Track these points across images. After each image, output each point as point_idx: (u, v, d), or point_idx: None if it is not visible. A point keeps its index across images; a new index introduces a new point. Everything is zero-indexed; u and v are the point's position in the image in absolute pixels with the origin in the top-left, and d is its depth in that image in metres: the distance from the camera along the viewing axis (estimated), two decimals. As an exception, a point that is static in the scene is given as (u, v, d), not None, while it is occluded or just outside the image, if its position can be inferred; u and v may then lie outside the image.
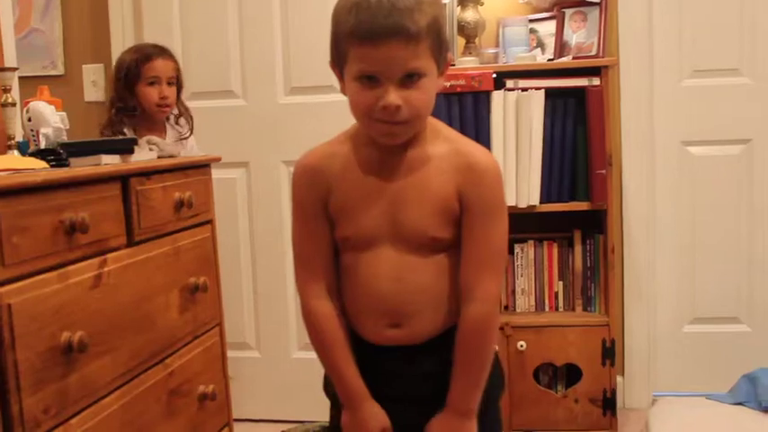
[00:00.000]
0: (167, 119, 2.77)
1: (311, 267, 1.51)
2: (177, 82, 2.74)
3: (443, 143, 1.47)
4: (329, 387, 1.58)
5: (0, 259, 1.35)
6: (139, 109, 2.65)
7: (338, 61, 1.40)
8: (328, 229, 1.49)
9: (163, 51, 2.71)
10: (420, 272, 1.45)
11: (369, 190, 1.46)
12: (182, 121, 2.80)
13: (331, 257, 1.51)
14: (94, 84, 3.40)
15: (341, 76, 1.42)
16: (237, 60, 3.22)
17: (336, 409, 1.57)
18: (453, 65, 2.95)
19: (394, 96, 1.33)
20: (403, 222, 1.44)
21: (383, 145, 1.43)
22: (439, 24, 1.37)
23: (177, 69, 2.73)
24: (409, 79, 1.34)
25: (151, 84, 2.64)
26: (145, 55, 2.66)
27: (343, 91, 1.42)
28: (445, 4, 1.44)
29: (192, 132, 2.80)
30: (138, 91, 2.64)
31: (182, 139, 2.76)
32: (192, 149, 2.79)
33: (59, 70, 3.45)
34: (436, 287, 1.47)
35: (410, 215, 1.44)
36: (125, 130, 2.61)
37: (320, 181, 1.48)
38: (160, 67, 2.66)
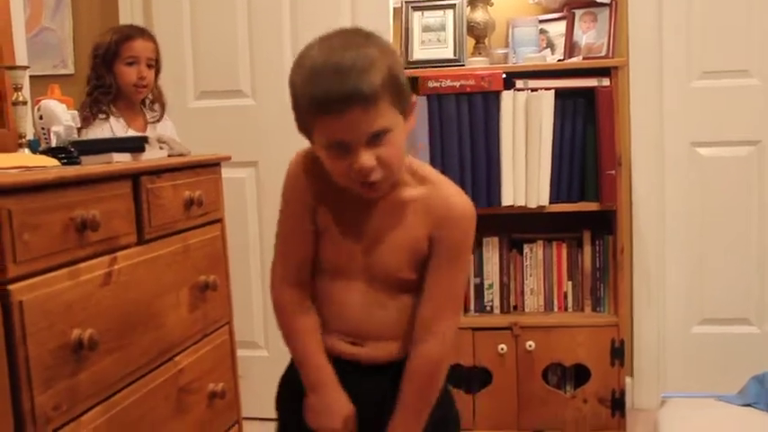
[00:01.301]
0: (143, 102, 2.74)
1: (289, 261, 1.54)
2: (156, 65, 2.70)
3: (421, 185, 1.48)
4: (280, 400, 1.65)
5: (12, 256, 1.36)
6: (116, 88, 2.61)
7: (304, 128, 1.41)
8: (313, 234, 1.51)
9: (143, 32, 2.68)
10: (386, 308, 1.50)
11: (350, 223, 1.49)
12: (157, 106, 2.77)
13: (310, 259, 1.53)
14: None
15: (310, 139, 1.43)
16: (247, 60, 3.23)
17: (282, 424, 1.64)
18: (462, 64, 2.95)
19: (365, 158, 1.34)
20: (376, 262, 1.48)
21: None
22: (395, 75, 1.35)
23: (156, 51, 2.69)
24: (376, 138, 1.34)
25: (129, 64, 2.61)
26: (125, 35, 2.63)
27: (316, 150, 1.43)
28: (395, 51, 1.43)
29: (161, 116, 2.75)
30: (115, 70, 2.61)
31: (152, 122, 2.72)
32: (167, 131, 2.72)
33: (69, 69, 3.46)
34: (399, 323, 1.51)
35: (383, 257, 1.48)
36: (104, 108, 2.58)
37: (314, 190, 1.50)
38: (139, 47, 2.62)
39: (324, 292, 1.54)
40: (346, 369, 1.53)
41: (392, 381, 1.50)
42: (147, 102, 2.76)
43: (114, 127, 2.58)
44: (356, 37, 1.37)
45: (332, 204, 1.49)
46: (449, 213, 1.46)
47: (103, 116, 2.58)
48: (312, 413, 1.53)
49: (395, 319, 1.51)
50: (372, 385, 1.53)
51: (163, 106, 2.77)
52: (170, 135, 2.61)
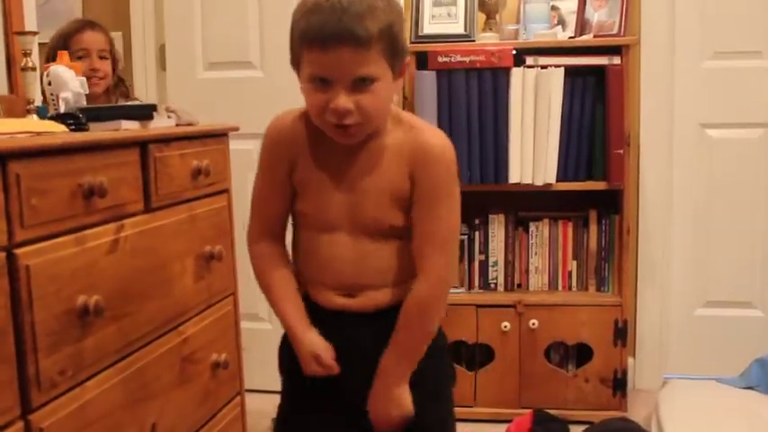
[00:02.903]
0: (110, 92, 2.67)
1: (263, 214, 1.59)
2: (111, 56, 2.65)
3: (401, 131, 1.49)
4: (282, 360, 1.66)
5: (19, 221, 1.36)
6: None
7: (294, 61, 1.44)
8: (289, 190, 1.55)
9: (92, 24, 2.63)
10: (377, 256, 1.51)
11: (331, 175, 1.50)
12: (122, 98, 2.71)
13: (285, 214, 1.58)
14: (113, 52, 3.40)
15: (299, 74, 1.45)
16: (256, 32, 3.21)
17: (285, 379, 1.66)
18: (473, 40, 2.94)
19: (344, 100, 1.36)
20: (361, 212, 1.49)
21: None
22: (394, 30, 1.38)
23: (109, 43, 2.64)
24: (361, 83, 1.37)
25: (80, 57, 2.54)
26: (73, 28, 2.58)
27: (301, 82, 1.45)
28: (401, 11, 1.46)
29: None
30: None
31: None
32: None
33: (78, 37, 3.44)
34: (393, 268, 1.52)
35: (368, 206, 1.48)
36: None
37: (290, 147, 1.53)
38: (89, 39, 2.57)
39: (309, 246, 1.55)
40: (339, 319, 1.54)
41: (387, 328, 1.51)
42: (120, 92, 2.70)
43: None
44: None
45: (311, 157, 1.51)
46: (426, 155, 1.47)
47: None
48: (301, 362, 1.55)
49: (386, 266, 1.52)
50: (367, 333, 1.53)
51: (126, 99, 2.71)
52: None
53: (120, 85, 2.73)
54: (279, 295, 1.58)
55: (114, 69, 2.67)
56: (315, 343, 1.53)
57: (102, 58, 2.60)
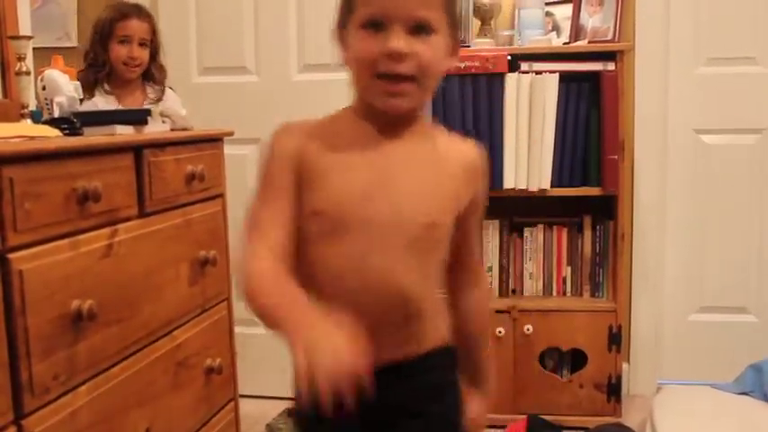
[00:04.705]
0: (146, 80, 2.70)
1: (264, 231, 1.24)
2: (152, 45, 2.67)
3: (444, 135, 1.38)
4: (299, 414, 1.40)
5: (12, 225, 1.36)
6: (108, 65, 2.58)
7: (344, 18, 1.25)
8: (293, 205, 1.26)
9: (140, 11, 2.65)
10: (422, 273, 1.28)
11: (358, 161, 1.26)
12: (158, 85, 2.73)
13: (290, 231, 1.25)
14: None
15: (344, 41, 1.27)
16: (251, 36, 3.21)
17: None
18: (468, 45, 2.94)
19: (402, 42, 1.18)
20: (416, 210, 1.25)
21: (381, 116, 1.26)
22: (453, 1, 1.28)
23: (153, 32, 2.66)
24: (420, 31, 1.19)
25: (122, 42, 2.58)
26: (120, 13, 2.60)
27: (346, 61, 1.26)
28: None
29: (160, 96, 2.70)
30: (110, 48, 2.58)
31: (151, 103, 2.67)
32: (169, 102, 2.68)
33: (73, 42, 3.43)
34: (434, 293, 1.33)
35: (421, 200, 1.27)
36: (96, 90, 2.56)
37: (298, 150, 1.28)
38: (134, 26, 2.59)
39: (335, 278, 1.24)
40: (387, 378, 1.16)
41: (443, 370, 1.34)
42: (155, 78, 2.73)
43: (99, 105, 2.56)
44: None
45: (332, 151, 1.27)
46: (483, 167, 1.38)
47: (88, 96, 2.54)
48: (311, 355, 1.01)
49: (430, 290, 1.30)
50: (430, 379, 1.32)
51: (162, 86, 2.73)
52: (172, 105, 2.60)
53: (161, 70, 2.74)
54: (295, 294, 1.17)
55: (155, 56, 2.69)
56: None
57: (141, 45, 2.62)
